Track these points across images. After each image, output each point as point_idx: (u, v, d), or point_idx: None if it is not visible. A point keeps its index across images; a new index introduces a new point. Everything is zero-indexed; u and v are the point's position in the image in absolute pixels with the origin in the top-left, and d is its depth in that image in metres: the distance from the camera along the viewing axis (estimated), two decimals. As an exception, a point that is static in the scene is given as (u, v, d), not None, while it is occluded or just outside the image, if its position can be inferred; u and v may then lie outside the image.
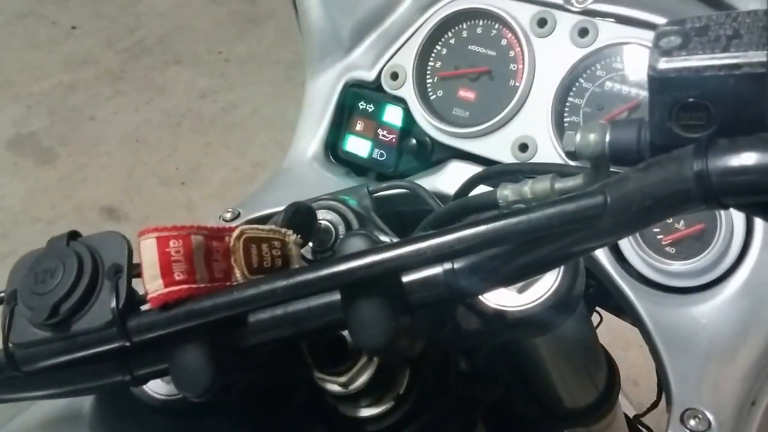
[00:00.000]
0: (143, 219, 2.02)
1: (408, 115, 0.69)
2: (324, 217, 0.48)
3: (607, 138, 0.34)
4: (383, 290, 0.34)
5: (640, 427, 0.80)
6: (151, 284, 0.34)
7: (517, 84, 0.64)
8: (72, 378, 0.38)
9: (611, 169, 0.35)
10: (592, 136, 0.34)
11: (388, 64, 0.69)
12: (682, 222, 0.55)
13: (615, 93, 0.61)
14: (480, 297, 0.39)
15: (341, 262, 0.33)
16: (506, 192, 0.42)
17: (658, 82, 0.30)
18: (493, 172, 0.54)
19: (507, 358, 0.53)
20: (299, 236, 0.40)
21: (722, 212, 0.54)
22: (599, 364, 0.62)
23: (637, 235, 0.56)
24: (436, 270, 0.34)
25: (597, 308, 0.70)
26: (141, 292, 0.35)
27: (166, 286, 0.34)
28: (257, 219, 0.65)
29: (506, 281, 0.36)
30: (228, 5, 2.73)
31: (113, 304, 0.34)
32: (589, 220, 0.30)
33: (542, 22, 0.63)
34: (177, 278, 0.34)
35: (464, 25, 0.68)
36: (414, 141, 0.68)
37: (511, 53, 0.65)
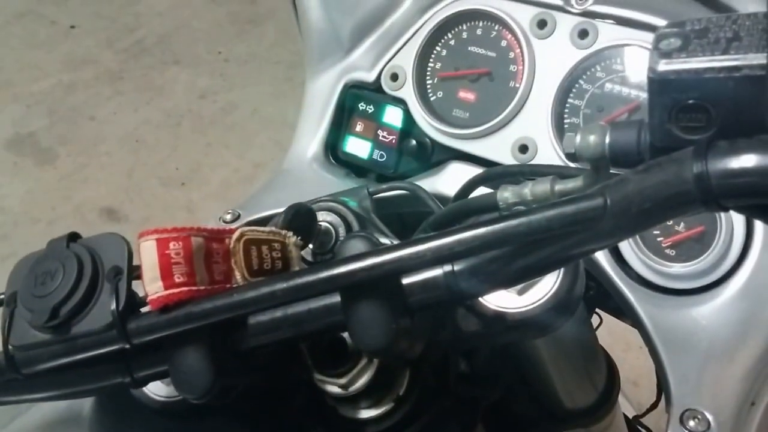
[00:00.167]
0: (143, 220, 2.02)
1: (408, 116, 0.69)
2: (324, 218, 0.48)
3: (607, 140, 0.34)
4: (383, 292, 0.34)
5: (640, 427, 0.80)
6: (151, 286, 0.34)
7: (517, 85, 0.64)
8: (72, 380, 0.38)
9: (611, 171, 0.35)
10: (591, 138, 0.34)
11: (388, 65, 0.70)
12: (682, 224, 0.55)
13: (615, 94, 0.61)
14: (480, 299, 0.39)
15: (341, 264, 0.33)
16: (506, 194, 0.42)
17: (657, 83, 0.30)
18: (494, 173, 0.54)
19: (507, 360, 0.53)
20: (299, 238, 0.40)
21: (722, 214, 0.54)
22: (599, 365, 0.62)
23: (637, 237, 0.56)
24: (436, 272, 0.34)
25: (597, 310, 0.70)
26: (141, 293, 0.35)
27: (166, 288, 0.34)
28: (257, 220, 0.65)
29: (506, 283, 0.36)
30: (228, 5, 2.73)
31: (113, 306, 0.34)
32: (588, 223, 0.30)
33: (542, 24, 0.63)
34: (177, 280, 0.34)
35: (464, 27, 0.68)
36: (414, 142, 0.68)
37: (511, 54, 0.65)
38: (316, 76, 0.73)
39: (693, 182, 0.27)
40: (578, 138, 0.35)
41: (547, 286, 0.38)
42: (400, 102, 0.69)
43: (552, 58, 0.63)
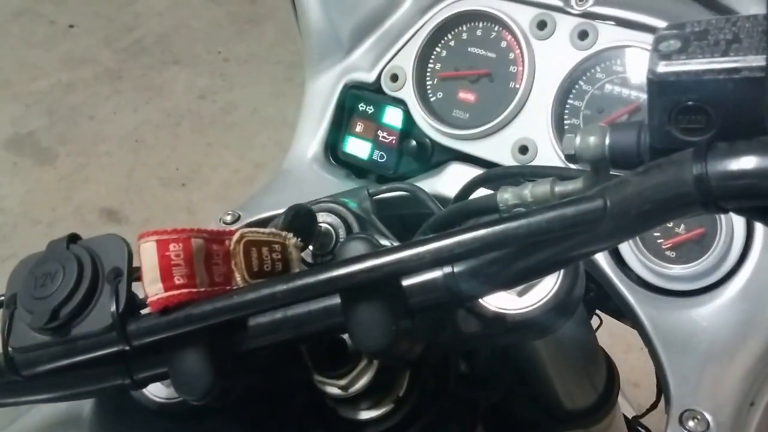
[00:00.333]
0: (144, 221, 2.01)
1: (408, 117, 0.69)
2: (324, 219, 0.48)
3: (607, 141, 0.34)
4: (383, 294, 0.34)
5: (640, 428, 0.80)
6: (151, 288, 0.34)
7: (517, 86, 0.64)
8: (72, 382, 0.38)
9: (611, 172, 0.35)
10: (591, 139, 0.34)
11: (388, 66, 0.70)
12: (682, 226, 0.55)
13: (615, 96, 0.61)
14: (480, 300, 0.39)
15: (341, 266, 0.33)
16: (506, 195, 0.42)
17: (657, 85, 0.30)
18: (494, 174, 0.54)
19: (507, 361, 0.53)
20: (299, 239, 0.40)
21: (722, 216, 0.54)
22: (598, 366, 0.62)
23: (637, 239, 0.56)
24: (436, 273, 0.34)
25: (597, 311, 0.70)
26: (141, 295, 0.35)
27: (166, 290, 0.34)
28: (257, 222, 0.65)
29: (506, 285, 0.36)
30: (227, 5, 2.73)
31: (113, 308, 0.35)
32: (588, 224, 0.30)
33: (542, 25, 0.63)
34: (177, 282, 0.34)
35: (464, 27, 0.68)
36: (414, 143, 0.68)
37: (511, 55, 0.65)
38: (315, 76, 0.73)
39: (693, 184, 0.27)
40: (578, 139, 0.35)
41: (547, 287, 0.38)
42: (400, 102, 0.69)
43: (552, 59, 0.63)
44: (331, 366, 0.41)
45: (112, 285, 0.35)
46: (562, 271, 0.38)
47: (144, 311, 0.35)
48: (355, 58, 0.72)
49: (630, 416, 0.79)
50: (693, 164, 0.27)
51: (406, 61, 0.69)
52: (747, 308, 0.53)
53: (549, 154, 0.62)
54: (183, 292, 0.34)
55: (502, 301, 0.39)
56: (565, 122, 0.63)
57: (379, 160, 0.70)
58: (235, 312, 0.34)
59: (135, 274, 0.36)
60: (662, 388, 0.53)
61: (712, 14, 0.58)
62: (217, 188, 2.14)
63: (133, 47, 2.59)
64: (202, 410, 0.39)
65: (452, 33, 0.68)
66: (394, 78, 0.69)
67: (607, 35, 0.61)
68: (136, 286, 0.36)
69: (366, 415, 0.43)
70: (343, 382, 0.41)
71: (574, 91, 0.62)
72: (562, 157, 0.60)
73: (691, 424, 0.50)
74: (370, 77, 0.70)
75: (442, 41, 0.69)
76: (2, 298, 0.38)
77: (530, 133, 0.63)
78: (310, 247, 0.47)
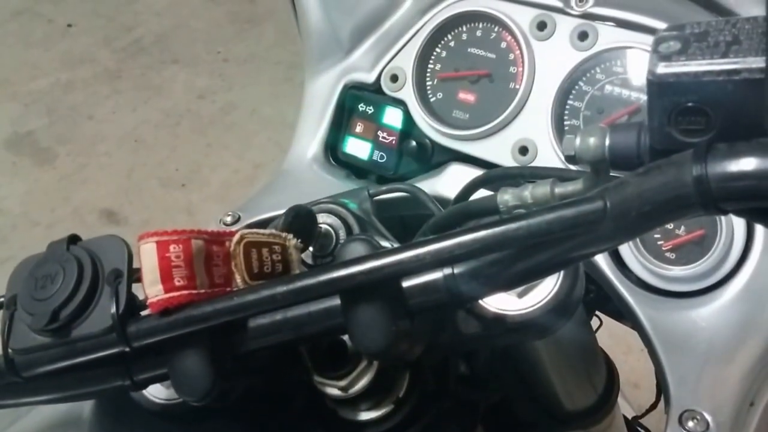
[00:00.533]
0: (143, 223, 2.01)
1: (408, 117, 0.69)
2: (324, 220, 0.48)
3: (607, 142, 0.34)
4: (383, 295, 0.34)
5: (639, 428, 0.80)
6: (151, 289, 0.34)
7: (517, 87, 0.64)
8: (72, 383, 0.38)
9: (611, 173, 0.35)
10: (591, 140, 0.34)
11: (388, 66, 0.70)
12: (682, 227, 0.56)
13: (615, 96, 0.61)
14: (480, 301, 0.39)
15: (341, 267, 0.33)
16: (506, 197, 0.42)
17: (656, 86, 0.30)
18: (494, 175, 0.54)
19: (506, 362, 0.53)
20: (300, 240, 0.40)
21: (722, 218, 0.54)
22: (598, 366, 0.63)
23: (637, 240, 0.56)
24: (436, 275, 0.34)
25: (597, 312, 0.70)
26: (141, 296, 0.35)
27: (166, 291, 0.34)
28: (258, 222, 0.65)
29: (506, 286, 0.36)
30: (227, 5, 2.73)
31: (113, 309, 0.35)
32: (588, 226, 0.30)
33: (542, 26, 0.64)
34: (177, 284, 0.34)
35: (464, 28, 0.68)
36: (414, 143, 0.68)
37: (511, 56, 0.65)
38: (315, 76, 0.73)
39: (692, 185, 0.27)
40: (578, 140, 0.35)
41: (547, 288, 0.38)
42: (399, 103, 0.69)
43: (552, 60, 0.63)
44: (331, 367, 0.41)
45: (112, 286, 0.35)
46: (562, 273, 0.38)
47: (144, 312, 0.35)
48: (355, 58, 0.72)
49: (629, 417, 0.79)
50: (693, 165, 0.27)
51: (406, 62, 0.69)
52: (746, 309, 0.53)
53: (549, 155, 0.62)
54: (183, 293, 0.34)
55: (502, 302, 0.39)
56: (565, 123, 0.63)
57: (379, 160, 0.70)
58: (235, 313, 0.34)
59: (135, 275, 0.36)
60: (662, 388, 0.53)
61: (711, 16, 0.58)
62: (216, 189, 2.13)
63: (132, 47, 2.59)
64: (202, 411, 0.39)
65: (452, 33, 0.68)
66: (394, 78, 0.69)
67: (607, 36, 0.61)
68: (136, 288, 0.36)
69: (366, 416, 0.43)
70: (343, 383, 0.41)
71: (574, 91, 0.62)
72: (562, 158, 0.60)
73: (690, 424, 0.50)
74: (370, 77, 0.70)
75: (442, 42, 0.69)
76: (2, 299, 0.38)
77: (530, 133, 0.63)
78: (310, 249, 0.47)
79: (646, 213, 0.28)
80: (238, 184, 2.13)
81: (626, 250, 0.57)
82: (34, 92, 2.43)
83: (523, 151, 0.63)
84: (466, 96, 0.67)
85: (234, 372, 0.37)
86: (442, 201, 0.59)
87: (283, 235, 0.40)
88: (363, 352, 0.38)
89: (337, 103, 0.71)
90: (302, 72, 0.75)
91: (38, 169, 2.21)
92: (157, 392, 0.43)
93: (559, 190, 0.39)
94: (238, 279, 0.37)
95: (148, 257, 0.34)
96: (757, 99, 0.28)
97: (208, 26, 2.65)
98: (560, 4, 0.63)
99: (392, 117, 0.70)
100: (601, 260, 0.57)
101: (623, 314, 0.57)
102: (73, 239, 0.38)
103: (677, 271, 0.55)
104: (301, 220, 0.43)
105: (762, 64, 0.27)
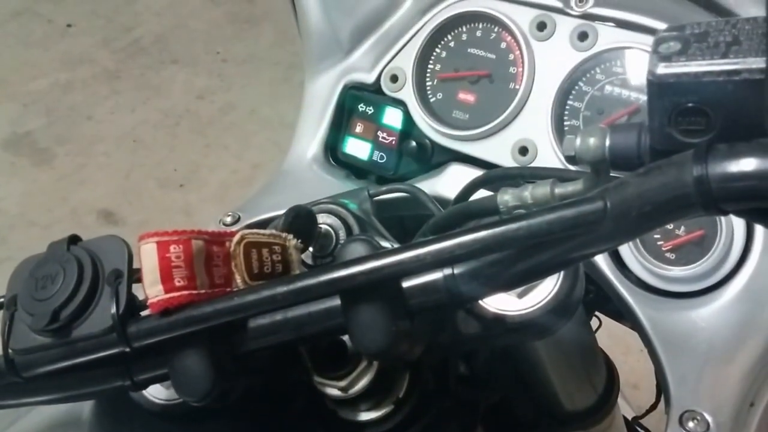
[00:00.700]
0: (140, 223, 2.01)
1: (408, 118, 0.69)
2: (324, 221, 0.48)
3: (607, 142, 0.34)
4: (383, 295, 0.34)
5: (639, 429, 0.80)
6: (152, 290, 0.34)
7: (517, 87, 0.64)
8: (72, 383, 0.38)
9: (611, 174, 0.35)
10: (592, 141, 0.34)
11: (388, 67, 0.70)
12: (682, 228, 0.56)
13: (615, 97, 0.61)
14: (480, 301, 0.39)
15: (342, 267, 0.33)
16: (506, 197, 0.42)
17: (657, 87, 0.30)
18: (494, 176, 0.54)
19: (506, 362, 0.53)
20: (300, 241, 0.40)
21: (722, 218, 0.54)
22: (598, 367, 0.63)
23: (637, 241, 0.56)
24: (436, 275, 0.34)
25: (596, 312, 0.70)
26: (141, 296, 0.35)
27: (166, 291, 0.34)
28: (257, 223, 0.65)
29: (506, 286, 0.36)
30: (226, 5, 2.73)
31: (113, 309, 0.35)
32: (589, 226, 0.30)
33: (542, 26, 0.64)
34: (177, 284, 0.34)
35: (464, 28, 0.68)
36: (414, 143, 0.68)
37: (511, 56, 0.66)
38: (315, 77, 0.73)
39: (693, 185, 0.27)
40: (578, 141, 0.35)
41: (546, 289, 0.38)
42: (399, 103, 0.69)
43: (552, 60, 0.63)
44: (331, 367, 0.41)
45: (113, 287, 0.35)
46: (561, 273, 0.38)
47: (144, 313, 0.35)
48: (354, 58, 0.72)
49: (629, 417, 0.79)
50: (693, 166, 0.27)
51: (405, 62, 0.69)
52: (746, 310, 0.53)
53: (549, 155, 0.62)
54: (183, 293, 0.34)
55: (501, 303, 0.39)
56: (565, 123, 0.63)
57: (378, 160, 0.70)
58: (235, 313, 0.34)
59: (135, 275, 0.36)
60: (662, 389, 0.53)
61: (711, 16, 0.58)
62: (215, 189, 2.13)
63: (132, 47, 2.59)
64: (202, 411, 0.39)
65: (452, 34, 0.68)
66: (394, 79, 0.69)
67: (607, 36, 0.61)
68: (136, 288, 0.36)
69: (366, 416, 0.43)
70: (343, 383, 0.41)
71: (573, 92, 0.62)
72: (562, 158, 0.60)
73: (691, 424, 0.50)
74: (369, 78, 0.70)
75: (442, 42, 0.69)
76: (2, 299, 0.38)
77: (530, 134, 0.63)
78: (310, 249, 0.47)
79: (646, 213, 0.28)
80: (236, 185, 2.12)
81: (626, 250, 0.57)
82: (33, 92, 2.43)
83: (523, 151, 0.63)
84: (466, 96, 0.67)
85: (234, 372, 0.37)
86: (442, 201, 0.59)
87: (283, 235, 0.40)
88: (363, 353, 0.38)
89: (337, 104, 0.71)
90: (301, 72, 0.75)
91: (36, 170, 2.21)
92: (157, 392, 0.43)
93: (559, 190, 0.39)
94: (238, 279, 0.37)
95: (148, 257, 0.34)
96: (757, 99, 0.28)
97: (207, 26, 2.65)
98: (560, 5, 0.63)
99: (392, 117, 0.70)
100: (601, 260, 0.57)
101: (623, 315, 0.57)
102: (74, 239, 0.38)
103: (677, 271, 0.55)
104: (301, 221, 0.43)
105: (762, 65, 0.27)
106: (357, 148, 0.71)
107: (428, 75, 0.69)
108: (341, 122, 0.72)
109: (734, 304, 0.53)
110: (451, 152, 0.67)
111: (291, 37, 2.18)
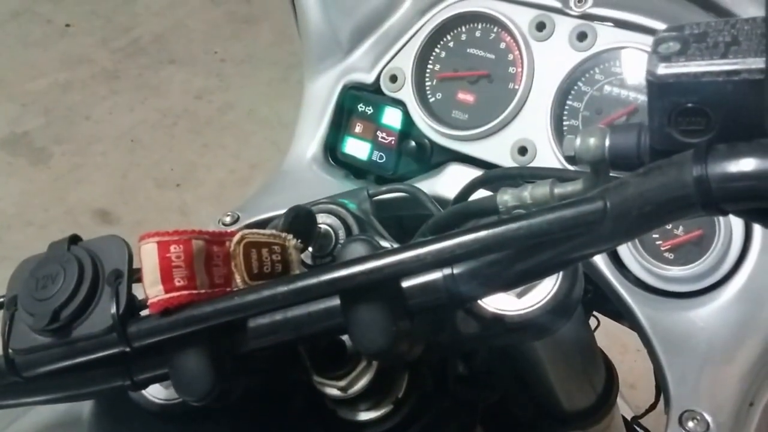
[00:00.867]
0: (136, 223, 2.00)
1: (407, 118, 0.69)
2: (324, 221, 0.48)
3: (607, 142, 0.34)
4: (383, 295, 0.34)
5: (639, 429, 0.80)
6: (152, 290, 0.34)
7: (516, 87, 0.64)
8: (72, 383, 0.38)
9: (611, 174, 0.35)
10: (591, 141, 0.34)
11: (387, 67, 0.70)
12: (680, 228, 0.56)
13: (614, 97, 0.61)
14: (479, 301, 0.39)
15: (341, 267, 0.33)
16: (506, 197, 0.42)
17: (656, 87, 0.30)
18: (493, 176, 0.54)
19: (505, 362, 0.53)
20: (299, 241, 0.40)
21: (721, 218, 0.54)
22: (597, 367, 0.63)
23: (636, 240, 0.56)
24: (435, 275, 0.34)
25: (594, 312, 0.70)
26: (141, 296, 0.35)
27: (166, 291, 0.34)
28: (257, 223, 0.65)
29: (506, 286, 0.36)
30: (224, 5, 2.73)
31: (113, 309, 0.35)
32: (588, 226, 0.30)
33: (541, 26, 0.64)
34: (177, 284, 0.34)
35: (463, 29, 0.68)
36: (413, 143, 0.68)
37: (510, 56, 0.66)
38: (315, 77, 0.73)
39: (693, 186, 0.27)
40: (578, 141, 0.35)
41: (546, 289, 0.38)
42: (399, 103, 0.69)
43: (551, 60, 0.63)
44: (331, 367, 0.41)
45: (113, 286, 0.35)
46: (561, 273, 0.38)
47: (144, 313, 0.35)
48: (354, 58, 0.72)
49: (628, 417, 0.79)
50: (693, 166, 0.27)
51: (405, 62, 0.69)
52: (745, 309, 0.53)
53: (548, 155, 0.62)
54: (183, 293, 0.34)
55: (501, 303, 0.39)
56: (564, 123, 0.63)
57: (378, 160, 0.70)
58: (235, 313, 0.34)
59: (135, 275, 0.36)
60: (661, 388, 0.53)
61: (711, 16, 0.58)
62: (211, 189, 2.13)
63: (130, 47, 2.59)
64: (202, 411, 0.39)
65: (451, 34, 0.68)
66: (393, 79, 0.69)
67: (606, 37, 0.61)
68: (136, 288, 0.36)
69: (365, 416, 0.43)
70: (342, 383, 0.41)
71: (573, 92, 0.63)
72: (561, 158, 0.61)
73: (690, 424, 0.50)
74: (369, 78, 0.70)
75: (441, 42, 0.69)
76: (2, 299, 0.38)
77: (529, 134, 0.63)
78: (310, 249, 0.47)
79: (646, 213, 0.28)
80: (233, 185, 2.12)
81: (625, 250, 0.57)
82: (32, 92, 2.43)
83: (522, 151, 0.63)
84: (465, 96, 0.67)
85: (234, 372, 0.37)
86: (442, 201, 0.59)
87: (283, 235, 0.40)
88: (363, 352, 0.38)
89: (337, 104, 0.71)
90: (299, 72, 0.75)
91: (33, 169, 2.20)
92: (156, 392, 0.43)
93: (559, 190, 0.39)
94: (238, 279, 0.37)
95: (148, 257, 0.34)
96: (757, 99, 0.28)
97: (206, 26, 2.65)
98: (559, 5, 0.63)
99: (391, 117, 0.70)
100: (600, 260, 0.57)
101: (622, 314, 0.57)
102: (74, 239, 0.38)
103: (676, 271, 0.55)
104: (300, 221, 0.43)
105: (761, 65, 0.27)
106: (356, 148, 0.71)
107: (427, 75, 0.69)
108: (341, 122, 0.72)
109: (733, 303, 0.53)
110: (451, 152, 0.67)
111: (289, 37, 2.18)
